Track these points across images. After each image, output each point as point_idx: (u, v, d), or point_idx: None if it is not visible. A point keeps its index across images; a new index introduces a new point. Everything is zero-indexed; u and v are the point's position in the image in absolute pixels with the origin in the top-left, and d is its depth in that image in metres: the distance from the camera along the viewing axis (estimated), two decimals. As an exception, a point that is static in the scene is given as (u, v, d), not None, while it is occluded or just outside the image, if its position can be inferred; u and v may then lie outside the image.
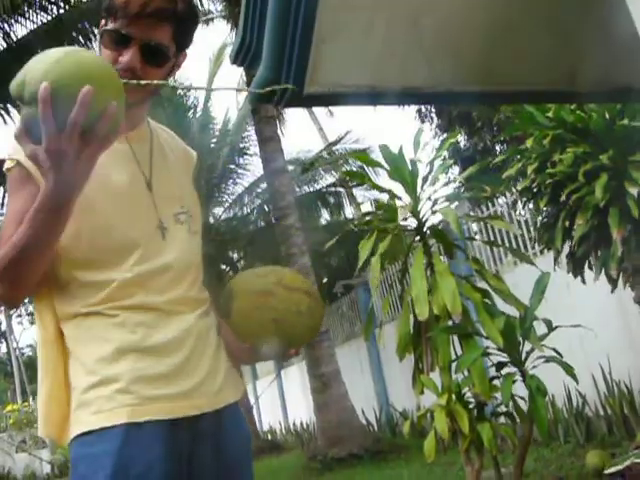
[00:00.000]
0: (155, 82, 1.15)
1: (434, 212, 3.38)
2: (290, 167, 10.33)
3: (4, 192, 7.62)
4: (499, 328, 2.90)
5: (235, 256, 12.25)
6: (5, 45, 7.83)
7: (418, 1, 1.51)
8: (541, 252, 5.24)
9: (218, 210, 11.90)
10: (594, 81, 1.77)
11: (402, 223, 3.41)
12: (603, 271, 3.55)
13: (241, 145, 11.44)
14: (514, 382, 2.85)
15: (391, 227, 3.32)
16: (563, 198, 3.40)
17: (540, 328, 2.95)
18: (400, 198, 3.46)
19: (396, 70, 1.56)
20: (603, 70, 1.73)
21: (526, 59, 1.65)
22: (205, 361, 1.21)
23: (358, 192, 12.06)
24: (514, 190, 5.19)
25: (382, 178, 9.81)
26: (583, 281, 3.78)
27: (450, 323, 3.07)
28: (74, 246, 1.15)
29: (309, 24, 1.42)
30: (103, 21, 1.23)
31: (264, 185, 10.38)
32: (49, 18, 7.79)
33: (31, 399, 19.52)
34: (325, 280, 11.87)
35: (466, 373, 3.00)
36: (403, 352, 3.20)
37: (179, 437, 1.14)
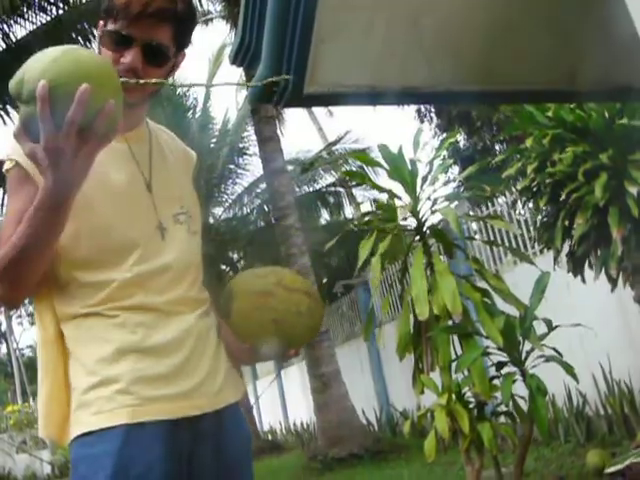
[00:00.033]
0: (154, 81, 1.16)
1: (434, 212, 3.39)
2: (290, 167, 10.33)
3: (4, 193, 7.61)
4: (499, 328, 2.90)
5: (235, 256, 12.25)
6: (4, 46, 7.83)
7: (418, 1, 1.51)
8: (541, 251, 5.24)
9: (218, 210, 11.91)
10: (594, 80, 1.77)
11: (402, 223, 3.41)
12: (603, 270, 3.55)
13: (241, 145, 11.44)
14: (514, 382, 2.85)
15: (391, 227, 3.32)
16: (563, 197, 3.40)
17: (540, 327, 2.95)
18: (400, 198, 3.46)
19: (396, 70, 1.56)
20: (603, 69, 1.73)
21: (526, 59, 1.65)
22: (205, 361, 1.21)
23: (358, 192, 12.07)
24: (514, 189, 5.19)
25: (382, 178, 9.82)
26: (583, 280, 3.78)
27: (450, 323, 3.08)
28: (73, 246, 1.15)
29: (308, 24, 1.42)
30: (102, 22, 1.23)
31: (264, 185, 10.37)
32: (48, 19, 7.79)
33: (31, 400, 19.52)
34: (325, 280, 11.87)
35: (466, 373, 3.00)
36: (403, 352, 3.20)
37: (179, 437, 1.14)
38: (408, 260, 3.49)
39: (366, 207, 12.15)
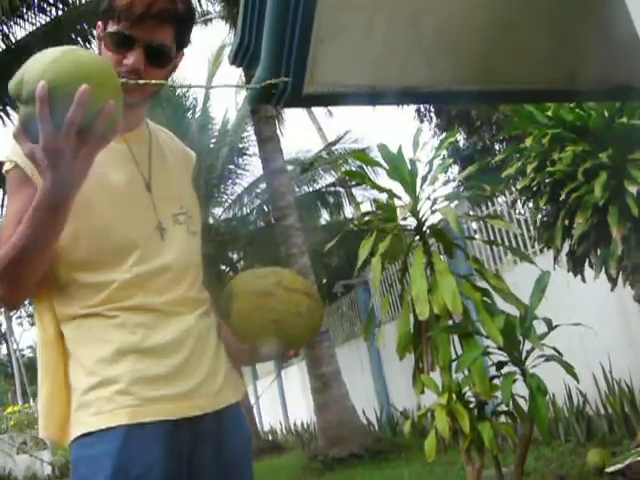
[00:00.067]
0: (153, 82, 1.16)
1: (433, 211, 3.39)
2: (289, 167, 10.33)
3: (4, 194, 7.61)
4: (499, 327, 2.90)
5: (235, 256, 12.25)
6: (4, 47, 7.83)
7: (418, 1, 1.50)
8: (541, 251, 5.24)
9: (218, 210, 11.91)
10: (594, 80, 1.77)
11: (402, 223, 3.41)
12: (603, 270, 3.55)
13: (240, 145, 11.43)
14: (514, 381, 2.85)
15: (391, 227, 3.32)
16: (563, 197, 3.40)
17: (540, 327, 2.95)
18: (400, 198, 3.46)
19: (396, 70, 1.56)
20: (602, 69, 1.73)
21: (526, 58, 1.65)
22: (205, 362, 1.21)
23: (357, 192, 12.07)
24: (513, 189, 5.19)
25: (381, 178, 9.81)
26: (583, 280, 3.78)
27: (450, 322, 3.07)
28: (73, 247, 1.15)
29: (308, 24, 1.42)
30: (100, 23, 1.22)
31: (263, 185, 10.38)
32: (47, 20, 7.79)
33: (32, 400, 19.51)
34: (325, 280, 11.87)
35: (466, 372, 3.00)
36: (403, 351, 3.20)
37: (179, 438, 1.14)
38: (408, 260, 3.49)
39: (366, 207, 12.16)
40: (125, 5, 1.16)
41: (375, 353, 8.64)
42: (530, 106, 3.55)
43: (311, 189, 12.04)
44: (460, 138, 12.56)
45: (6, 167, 1.19)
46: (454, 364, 2.99)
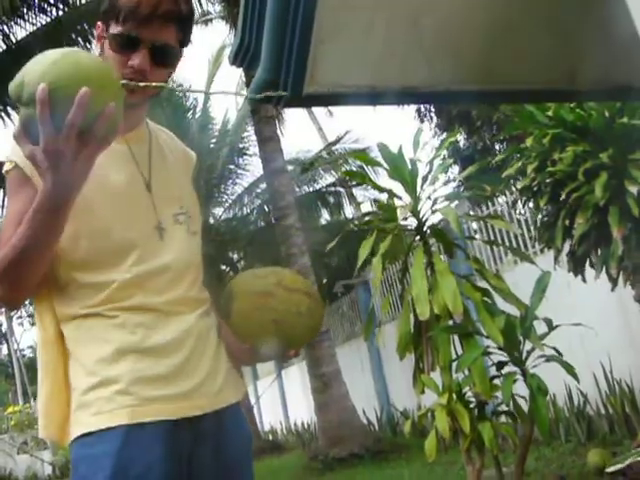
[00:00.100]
0: (154, 84, 1.16)
1: (434, 211, 3.39)
2: (290, 167, 10.33)
3: (4, 194, 7.62)
4: (500, 327, 2.90)
5: (235, 256, 12.25)
6: (4, 47, 7.83)
7: (418, 1, 1.50)
8: (541, 251, 5.24)
9: (218, 210, 11.91)
10: (594, 80, 1.77)
11: (402, 223, 3.41)
12: (604, 270, 3.55)
13: (241, 145, 11.44)
14: (515, 381, 2.85)
15: (391, 227, 3.32)
16: (563, 197, 3.40)
17: (541, 327, 2.95)
18: (400, 198, 3.46)
19: (396, 70, 1.56)
20: (603, 69, 1.73)
21: (526, 58, 1.65)
22: (205, 361, 1.21)
23: (358, 192, 12.07)
24: (514, 189, 5.19)
25: (382, 177, 9.82)
26: (584, 280, 3.78)
27: (450, 322, 3.07)
28: (73, 247, 1.15)
29: (308, 24, 1.42)
30: (100, 23, 1.23)
31: (264, 185, 10.38)
32: (48, 20, 7.80)
33: (32, 400, 19.52)
34: (325, 280, 11.88)
35: (467, 372, 3.00)
36: (403, 351, 3.20)
37: (179, 438, 1.14)
38: (408, 260, 3.49)
39: (366, 207, 12.17)
40: (131, 6, 1.16)
41: (375, 353, 8.64)
42: (530, 106, 3.55)
43: (311, 189, 12.05)
44: (460, 138, 12.56)
45: (6, 167, 1.19)
46: (454, 364, 2.99)
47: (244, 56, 1.55)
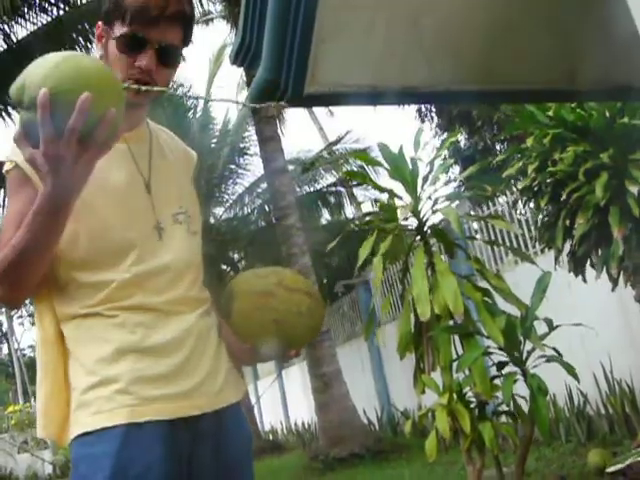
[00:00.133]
0: (156, 88, 1.17)
1: (435, 211, 3.39)
2: (290, 167, 10.34)
3: (4, 194, 7.62)
4: (500, 327, 2.90)
5: (236, 256, 12.25)
6: (5, 46, 7.83)
7: (418, 1, 1.51)
8: (542, 251, 5.24)
9: (219, 210, 11.92)
10: (594, 80, 1.77)
11: (403, 223, 3.41)
12: (604, 270, 3.55)
13: (241, 145, 11.44)
14: (515, 381, 2.85)
15: (392, 227, 3.32)
16: (564, 197, 3.40)
17: (541, 327, 2.95)
18: (401, 198, 3.46)
19: (396, 70, 1.56)
20: (603, 69, 1.73)
21: (526, 58, 1.65)
22: (205, 361, 1.21)
23: (359, 192, 12.07)
24: (515, 189, 5.19)
25: (382, 177, 9.82)
26: (584, 280, 3.78)
27: (451, 322, 3.08)
28: (72, 247, 1.15)
29: (309, 24, 1.42)
30: (102, 23, 1.23)
31: (264, 185, 10.38)
32: (49, 19, 7.80)
33: (33, 400, 19.53)
34: (326, 280, 11.88)
35: (467, 372, 3.00)
36: (404, 351, 3.20)
37: (179, 437, 1.14)
38: (409, 260, 3.49)
39: (367, 207, 12.17)
40: (139, 7, 1.17)
41: (376, 353, 8.64)
42: (531, 106, 3.55)
43: (312, 189, 12.05)
44: (461, 138, 12.56)
45: (6, 167, 1.19)
46: (455, 364, 2.99)
47: (245, 55, 1.55)
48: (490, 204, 6.00)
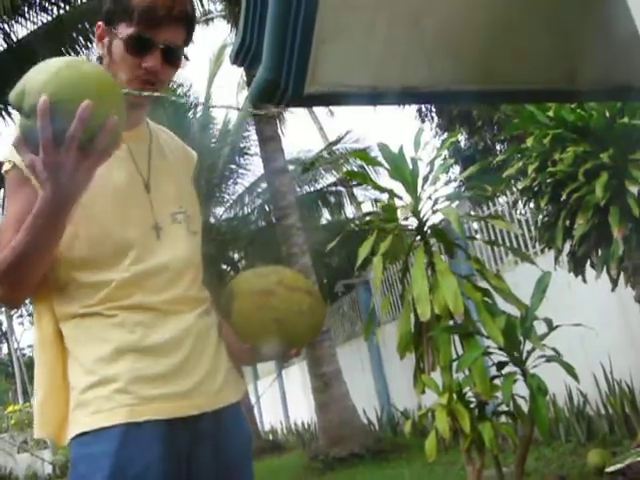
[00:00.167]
0: (156, 94, 1.19)
1: (435, 211, 3.39)
2: (291, 167, 10.34)
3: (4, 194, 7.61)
4: (500, 327, 2.90)
5: (236, 256, 12.25)
6: (5, 46, 7.83)
7: (419, 1, 1.51)
8: (542, 251, 5.24)
9: (219, 210, 11.92)
10: (594, 80, 1.77)
11: (403, 223, 3.41)
12: (604, 270, 3.55)
13: (241, 145, 11.44)
14: (515, 381, 2.86)
15: (392, 227, 3.32)
16: (564, 197, 3.40)
17: (541, 327, 2.96)
18: (401, 198, 3.47)
19: (397, 70, 1.57)
20: (603, 69, 1.73)
21: (526, 58, 1.65)
22: (205, 360, 1.21)
23: (359, 192, 12.07)
24: (515, 189, 5.19)
25: (383, 177, 9.82)
26: (584, 280, 3.78)
27: (451, 322, 3.08)
28: (71, 247, 1.15)
29: (309, 24, 1.42)
30: (102, 23, 1.23)
31: (265, 185, 10.38)
32: (49, 19, 7.80)
33: (32, 400, 19.49)
34: (326, 280, 11.88)
35: (467, 372, 3.01)
36: (404, 351, 3.20)
37: (178, 437, 1.15)
38: (409, 260, 3.49)
39: (367, 207, 12.17)
40: (146, 8, 1.17)
41: (376, 353, 8.64)
42: (531, 106, 3.55)
43: (312, 189, 12.05)
44: (461, 138, 12.55)
45: (5, 167, 1.19)
46: (455, 364, 2.99)
47: (245, 55, 1.55)
48: (490, 204, 6.00)
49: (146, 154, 1.28)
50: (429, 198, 3.40)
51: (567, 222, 3.50)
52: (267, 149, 7.97)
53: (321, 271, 10.46)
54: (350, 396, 7.49)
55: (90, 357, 1.14)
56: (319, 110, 19.10)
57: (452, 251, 3.43)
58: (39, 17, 7.77)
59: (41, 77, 0.95)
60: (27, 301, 1.22)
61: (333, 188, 11.90)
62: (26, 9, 7.66)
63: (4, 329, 27.69)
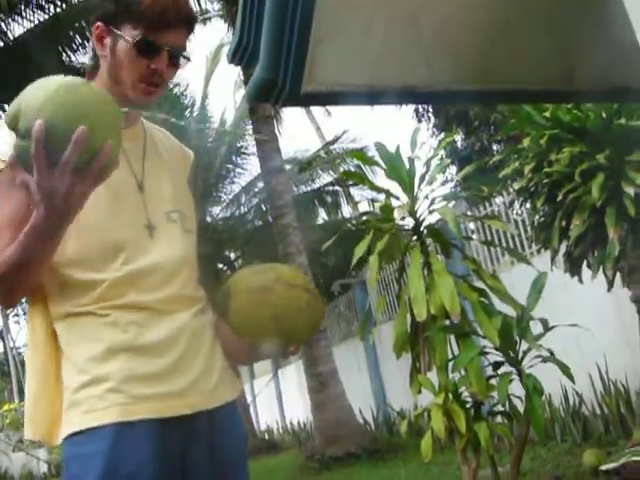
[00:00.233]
0: (158, 115, 1.18)
1: (431, 211, 3.39)
2: (288, 166, 10.33)
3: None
4: (496, 328, 2.90)
5: (232, 255, 12.25)
6: (2, 44, 7.81)
7: (417, 1, 1.51)
8: (538, 252, 5.25)
9: (215, 209, 11.91)
10: (591, 81, 1.77)
11: (399, 222, 3.41)
12: (600, 270, 3.55)
13: (238, 144, 11.44)
14: (511, 381, 2.86)
15: (388, 226, 3.32)
16: (560, 198, 3.41)
17: (537, 328, 2.96)
18: (398, 198, 3.47)
19: (395, 69, 1.56)
20: (600, 70, 1.73)
21: (524, 58, 1.65)
22: (200, 359, 1.21)
23: (355, 191, 12.09)
24: (511, 190, 5.20)
25: (379, 177, 9.82)
26: (580, 281, 3.79)
27: (447, 322, 3.08)
28: (64, 247, 1.15)
29: (307, 23, 1.42)
30: (101, 24, 1.22)
31: (261, 184, 10.38)
32: (46, 17, 7.78)
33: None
34: (322, 279, 11.89)
35: (463, 372, 3.01)
36: (400, 351, 3.20)
37: (172, 436, 1.14)
38: (406, 260, 3.49)
39: (364, 206, 12.19)
40: (156, 11, 1.17)
41: (372, 352, 8.65)
42: (528, 107, 3.55)
43: (309, 188, 12.06)
44: (458, 138, 12.55)
45: None
46: (451, 364, 3.00)
47: (242, 54, 1.55)
48: (487, 204, 6.01)
49: (140, 154, 1.27)
50: (426, 198, 3.40)
51: (563, 222, 3.50)
52: (264, 148, 7.96)
53: (317, 271, 10.45)
54: (346, 396, 7.49)
55: (83, 356, 1.14)
56: (316, 110, 19.11)
57: (448, 251, 3.43)
58: (36, 15, 7.76)
59: (38, 99, 0.93)
60: (23, 300, 1.21)
61: (330, 188, 11.90)
62: (23, 7, 7.65)
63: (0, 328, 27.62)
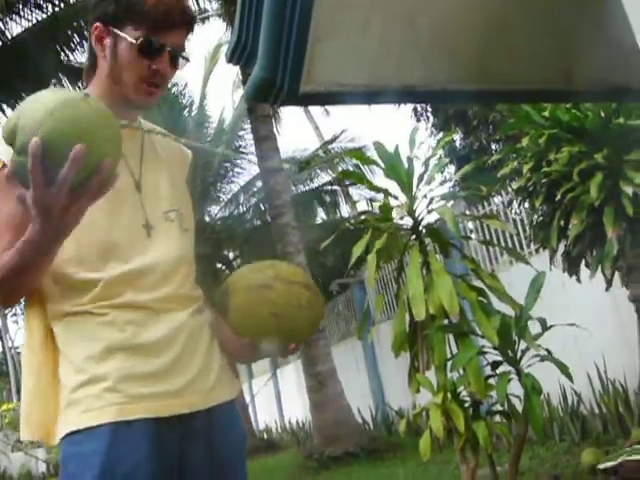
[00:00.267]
0: (158, 130, 1.24)
1: (430, 211, 3.39)
2: (286, 166, 10.33)
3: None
4: (495, 327, 2.90)
5: (231, 255, 12.25)
6: (0, 43, 7.80)
7: (414, 0, 1.51)
8: (536, 251, 5.25)
9: (214, 209, 11.91)
10: (590, 80, 1.77)
11: (398, 222, 3.41)
12: (599, 270, 3.56)
13: (237, 144, 11.43)
14: (509, 381, 2.86)
15: (387, 226, 3.32)
16: (558, 197, 3.41)
17: (535, 327, 2.96)
18: (396, 197, 3.46)
19: (392, 69, 1.56)
20: (599, 69, 1.73)
21: (522, 58, 1.65)
22: (197, 358, 1.21)
23: (354, 191, 12.09)
24: (510, 189, 5.20)
25: (378, 176, 9.82)
26: (578, 280, 3.79)
27: (446, 322, 3.08)
28: (63, 246, 1.15)
29: (305, 23, 1.42)
30: (101, 24, 1.22)
31: (260, 184, 10.38)
32: (44, 16, 7.77)
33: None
34: (321, 279, 11.88)
35: (462, 372, 3.01)
36: (399, 350, 3.20)
37: (169, 436, 1.14)
38: (404, 259, 3.49)
39: (362, 206, 12.19)
40: (160, 12, 1.18)
41: (370, 352, 8.65)
42: (527, 106, 3.55)
43: (307, 188, 12.06)
44: (457, 138, 12.56)
45: None
46: (449, 363, 3.00)
47: (241, 54, 1.55)
48: (485, 204, 6.01)
49: (138, 153, 1.27)
50: (424, 197, 3.40)
51: (562, 222, 3.51)
52: (262, 148, 7.96)
53: (316, 270, 10.45)
54: (345, 395, 7.49)
55: (80, 356, 1.14)
56: (315, 109, 19.11)
57: (447, 250, 3.43)
58: (34, 14, 7.76)
59: (36, 114, 0.93)
60: (22, 300, 1.22)
61: (328, 187, 11.91)
62: (21, 6, 7.64)
63: (-2, 328, 27.59)
